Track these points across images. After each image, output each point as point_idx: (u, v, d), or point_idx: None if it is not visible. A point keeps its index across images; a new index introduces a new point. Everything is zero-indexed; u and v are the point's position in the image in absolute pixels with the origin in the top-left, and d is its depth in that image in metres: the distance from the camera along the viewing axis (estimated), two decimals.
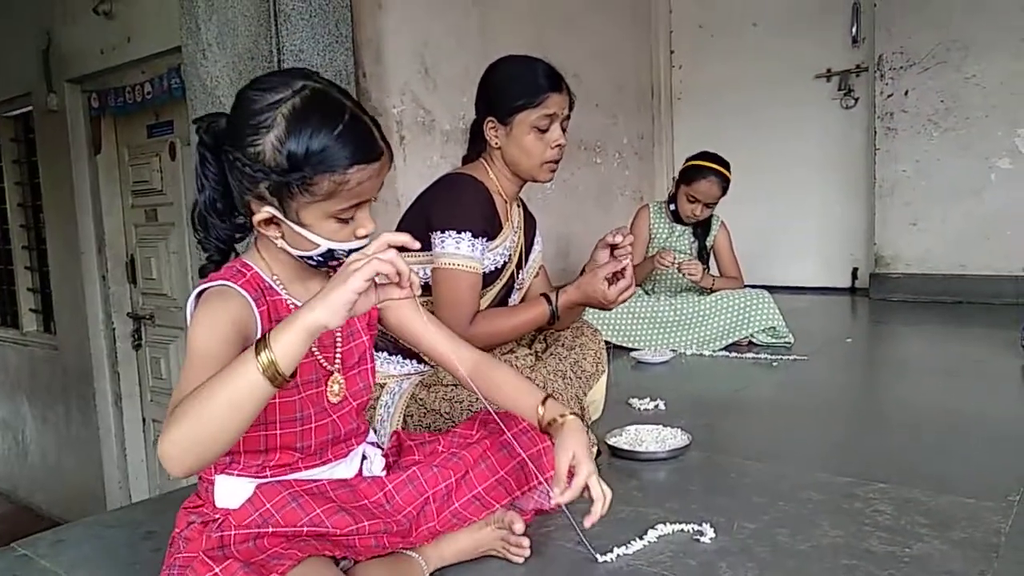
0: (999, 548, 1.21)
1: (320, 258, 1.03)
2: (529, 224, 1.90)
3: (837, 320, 3.67)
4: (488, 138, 1.73)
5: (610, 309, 1.75)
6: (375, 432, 1.47)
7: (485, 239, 1.65)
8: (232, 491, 1.07)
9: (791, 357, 2.70)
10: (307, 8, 2.57)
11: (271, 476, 1.08)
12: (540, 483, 1.27)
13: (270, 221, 1.01)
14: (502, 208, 1.74)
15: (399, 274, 0.89)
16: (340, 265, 1.01)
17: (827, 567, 1.17)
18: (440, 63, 3.19)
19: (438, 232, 1.63)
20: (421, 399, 1.57)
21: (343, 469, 1.16)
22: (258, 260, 1.08)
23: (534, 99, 1.67)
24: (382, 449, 1.28)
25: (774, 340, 2.91)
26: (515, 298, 1.87)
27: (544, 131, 1.69)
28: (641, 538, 1.28)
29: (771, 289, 3.15)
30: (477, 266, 1.63)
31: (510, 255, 1.78)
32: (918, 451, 1.73)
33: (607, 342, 2.87)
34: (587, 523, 1.15)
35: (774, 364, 2.63)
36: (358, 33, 2.83)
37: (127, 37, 3.52)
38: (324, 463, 1.13)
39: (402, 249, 0.94)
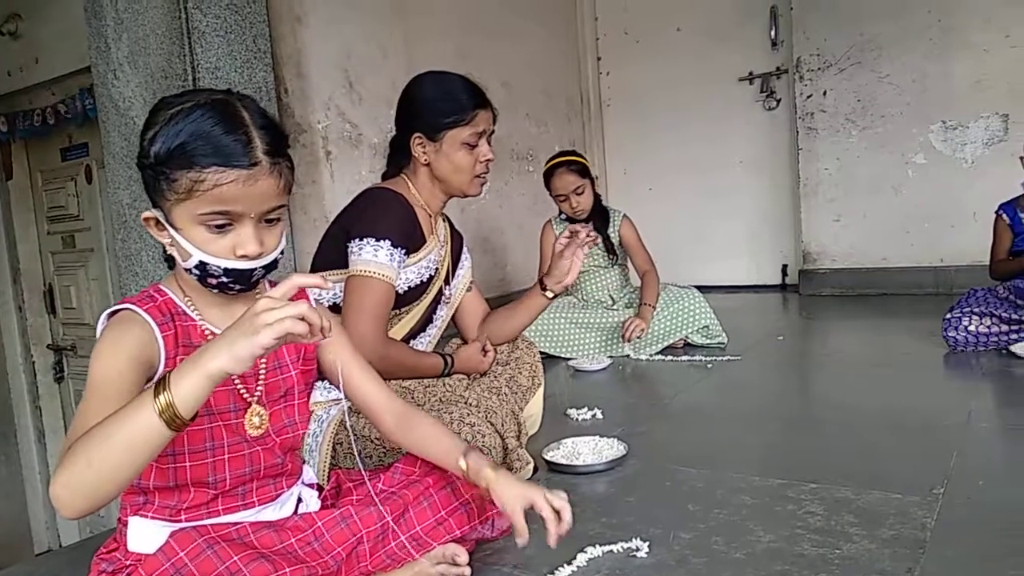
0: (925, 544, 1.23)
1: (196, 271, 0.99)
2: (455, 239, 1.89)
3: (769, 318, 3.74)
4: (416, 154, 1.71)
5: (485, 372, 1.84)
6: (308, 464, 1.42)
7: (403, 251, 1.63)
8: (145, 534, 1.02)
9: (725, 357, 2.74)
10: (222, 24, 2.49)
11: (186, 520, 1.03)
12: (484, 521, 1.25)
13: (158, 223, 1.01)
14: (426, 222, 1.73)
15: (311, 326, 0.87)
16: (222, 283, 1.00)
17: (761, 574, 1.17)
18: (365, 76, 3.15)
19: (356, 240, 1.60)
20: (350, 425, 1.53)
21: (270, 514, 1.11)
22: (173, 285, 1.07)
23: (464, 116, 1.67)
24: (320, 490, 1.24)
25: (709, 340, 2.95)
26: (443, 313, 1.85)
27: (474, 147, 1.70)
28: (571, 562, 1.26)
29: (704, 288, 3.19)
30: (392, 276, 1.61)
31: (436, 269, 1.76)
32: (848, 447, 1.77)
33: (544, 353, 2.89)
34: (552, 543, 1.12)
35: (709, 366, 2.66)
36: (278, 48, 2.77)
37: (35, 57, 3.37)
38: (247, 506, 1.08)
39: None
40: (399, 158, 1.77)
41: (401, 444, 1.22)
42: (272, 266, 1.04)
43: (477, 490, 1.22)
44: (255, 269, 1.01)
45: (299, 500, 1.18)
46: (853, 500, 1.42)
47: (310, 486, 1.23)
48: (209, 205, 0.95)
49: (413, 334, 1.78)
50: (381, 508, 1.11)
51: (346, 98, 3.07)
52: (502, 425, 1.58)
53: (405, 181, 1.74)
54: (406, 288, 1.68)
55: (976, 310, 2.59)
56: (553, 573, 1.23)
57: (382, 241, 1.59)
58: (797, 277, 4.25)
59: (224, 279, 1.00)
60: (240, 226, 0.98)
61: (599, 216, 3.15)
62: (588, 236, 1.79)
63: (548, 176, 3.12)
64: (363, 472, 1.17)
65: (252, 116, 0.99)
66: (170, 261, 1.07)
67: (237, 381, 1.07)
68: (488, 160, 1.73)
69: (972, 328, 2.57)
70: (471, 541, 1.28)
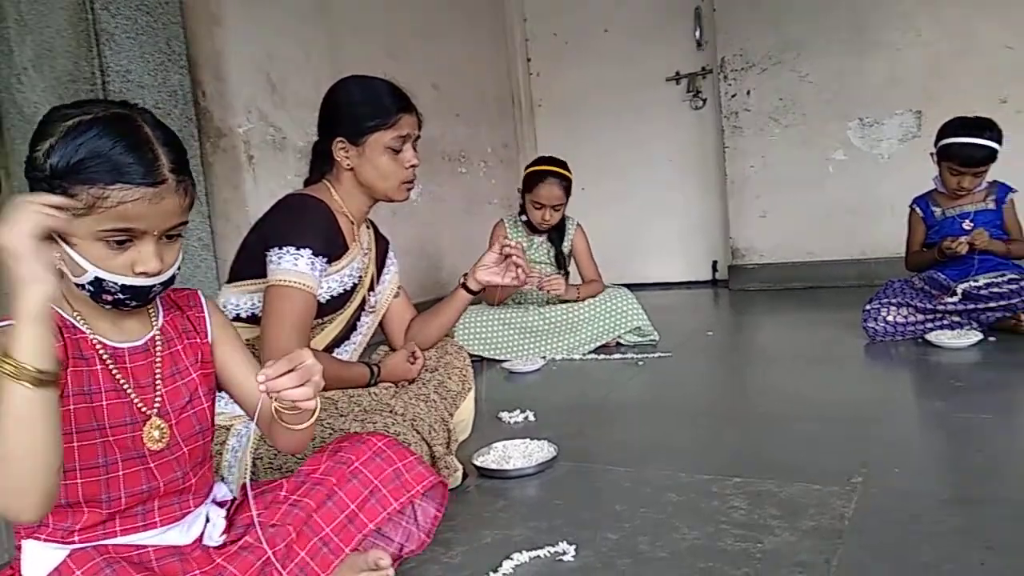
0: (843, 533, 1.26)
1: (91, 287, 0.96)
2: (380, 246, 1.85)
3: (700, 313, 3.81)
4: (338, 159, 1.67)
5: (413, 380, 1.81)
6: (223, 481, 1.37)
7: (325, 260, 1.59)
8: (39, 558, 0.97)
9: (656, 355, 2.77)
10: (132, 26, 2.40)
11: (80, 541, 0.98)
12: (402, 507, 1.21)
13: (48, 237, 0.95)
14: (348, 229, 1.69)
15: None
16: (117, 300, 0.97)
17: (685, 573, 1.18)
18: (288, 78, 3.08)
19: (276, 248, 1.55)
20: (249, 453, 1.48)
21: (177, 535, 1.06)
22: (59, 299, 1.01)
23: (387, 120, 1.64)
24: (227, 509, 1.19)
25: (640, 339, 2.98)
26: (368, 320, 1.82)
27: (398, 152, 1.66)
28: (496, 569, 1.24)
29: (637, 286, 3.23)
30: (314, 286, 1.56)
31: (360, 277, 1.72)
32: (772, 440, 1.80)
33: (478, 356, 2.88)
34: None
35: (640, 363, 2.69)
36: (194, 50, 2.68)
37: None
38: (148, 526, 1.03)
39: None
40: (321, 163, 1.73)
41: (285, 448, 1.16)
42: (170, 282, 1.01)
43: (389, 471, 1.19)
44: (154, 286, 0.98)
45: (207, 520, 1.13)
46: (776, 493, 1.45)
47: (221, 504, 1.18)
48: (112, 222, 0.93)
49: (337, 343, 1.74)
50: (262, 539, 1.07)
51: (268, 101, 2.99)
52: (429, 433, 1.55)
53: (327, 187, 1.70)
54: (328, 297, 1.64)
55: (894, 301, 2.68)
56: None
57: (302, 250, 1.55)
58: (727, 272, 4.34)
59: (120, 296, 0.97)
60: (140, 243, 0.96)
61: (556, 228, 3.13)
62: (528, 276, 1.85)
63: (535, 180, 3.03)
64: (248, 491, 1.12)
65: (154, 132, 0.97)
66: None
67: (133, 394, 1.03)
68: (413, 165, 1.69)
69: (890, 318, 2.66)
70: (395, 561, 1.25)
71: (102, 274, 0.94)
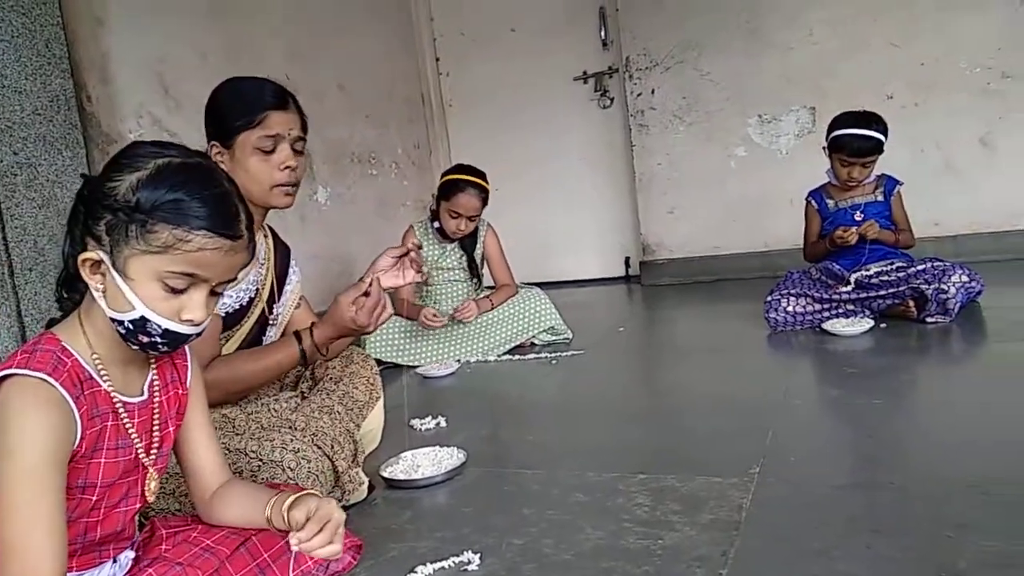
0: (740, 525, 1.29)
1: (131, 325, 0.94)
2: (280, 255, 1.79)
3: (613, 310, 3.86)
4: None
5: (370, 333, 1.69)
6: None
7: None
8: None
9: (569, 353, 2.79)
10: (7, 28, 2.26)
11: None
12: (316, 566, 1.18)
13: (96, 266, 0.94)
14: None
15: None
16: (151, 343, 0.96)
17: (587, 574, 1.19)
18: (183, 81, 2.96)
19: None
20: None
21: None
22: (78, 337, 0.98)
23: (253, 118, 1.54)
24: (133, 545, 1.14)
25: (554, 338, 3.00)
26: (272, 335, 1.75)
27: (269, 152, 1.57)
28: None
29: (552, 284, 3.24)
30: None
31: (257, 290, 1.66)
32: (677, 435, 1.84)
33: (391, 363, 2.83)
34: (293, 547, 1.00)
35: (553, 362, 2.71)
36: (77, 53, 2.55)
37: None
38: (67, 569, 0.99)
39: None
40: None
41: (209, 519, 1.15)
42: (200, 333, 1.01)
43: None
44: (190, 335, 0.98)
45: (113, 560, 1.09)
46: (678, 488, 1.47)
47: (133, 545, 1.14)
48: (182, 265, 0.92)
49: None
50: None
51: (161, 105, 2.87)
52: (332, 447, 1.51)
53: None
54: (224, 313, 1.57)
55: (793, 291, 2.78)
56: None
57: None
58: (639, 268, 4.42)
59: (159, 339, 0.95)
60: (194, 291, 0.95)
61: (469, 235, 3.09)
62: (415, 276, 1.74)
63: (453, 188, 2.94)
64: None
65: (232, 187, 0.99)
66: (63, 304, 1.01)
67: (140, 448, 1.02)
68: (289, 167, 1.58)
69: (790, 309, 2.76)
70: None
71: (149, 314, 0.93)
